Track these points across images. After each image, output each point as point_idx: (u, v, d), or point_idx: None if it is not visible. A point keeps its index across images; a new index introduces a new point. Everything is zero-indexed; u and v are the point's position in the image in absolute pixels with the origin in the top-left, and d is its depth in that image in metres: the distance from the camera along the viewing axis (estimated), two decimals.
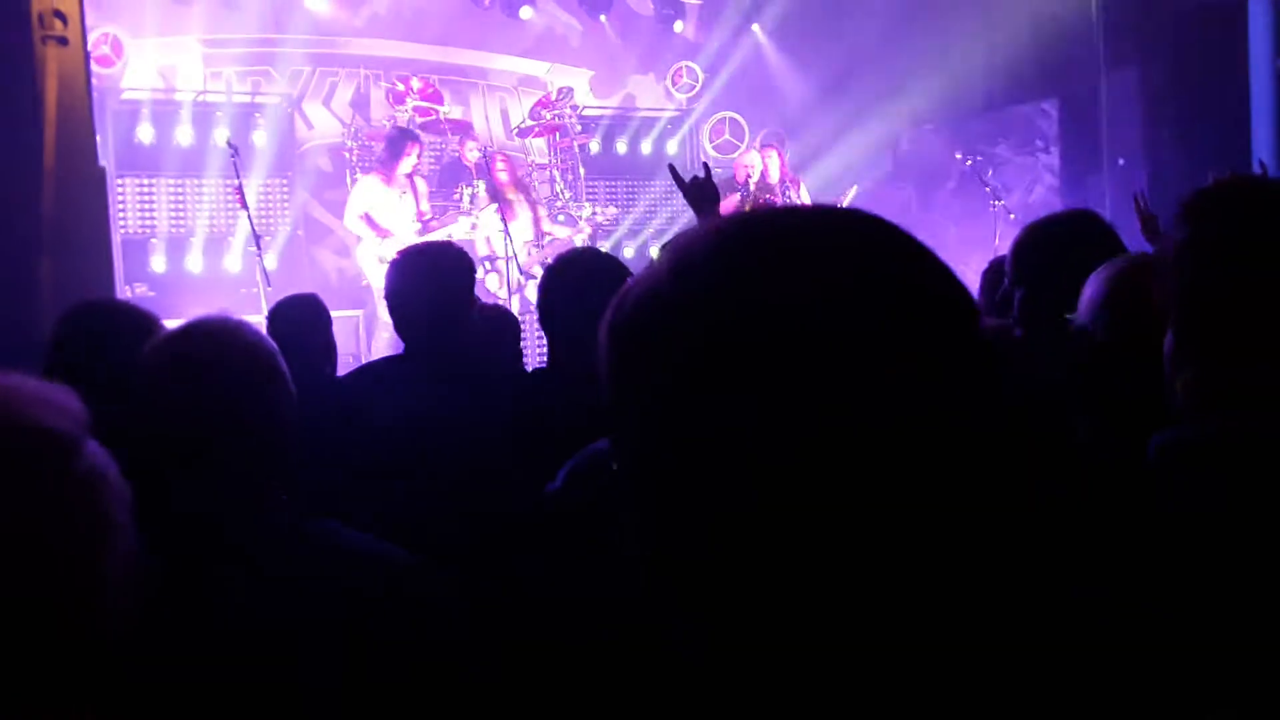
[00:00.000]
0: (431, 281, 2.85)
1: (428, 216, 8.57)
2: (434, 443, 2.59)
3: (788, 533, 0.64)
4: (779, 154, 9.34)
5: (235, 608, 1.59)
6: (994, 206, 9.08)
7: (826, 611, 0.64)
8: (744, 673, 0.67)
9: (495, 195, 8.82)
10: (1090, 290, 1.78)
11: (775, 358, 0.63)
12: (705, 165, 3.20)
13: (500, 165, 8.96)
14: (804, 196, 9.35)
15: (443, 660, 1.69)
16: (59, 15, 5.33)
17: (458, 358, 2.83)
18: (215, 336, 1.71)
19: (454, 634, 1.75)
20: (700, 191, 3.07)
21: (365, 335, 8.69)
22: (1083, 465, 1.69)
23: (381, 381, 2.86)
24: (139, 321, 2.32)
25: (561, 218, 9.77)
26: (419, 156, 8.53)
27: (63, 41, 5.34)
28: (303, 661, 1.57)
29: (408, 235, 8.27)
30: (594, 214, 9.72)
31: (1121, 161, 8.64)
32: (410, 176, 8.47)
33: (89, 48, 5.81)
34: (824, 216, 0.71)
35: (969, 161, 9.48)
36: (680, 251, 0.70)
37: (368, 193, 8.38)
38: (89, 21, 5.97)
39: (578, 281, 2.70)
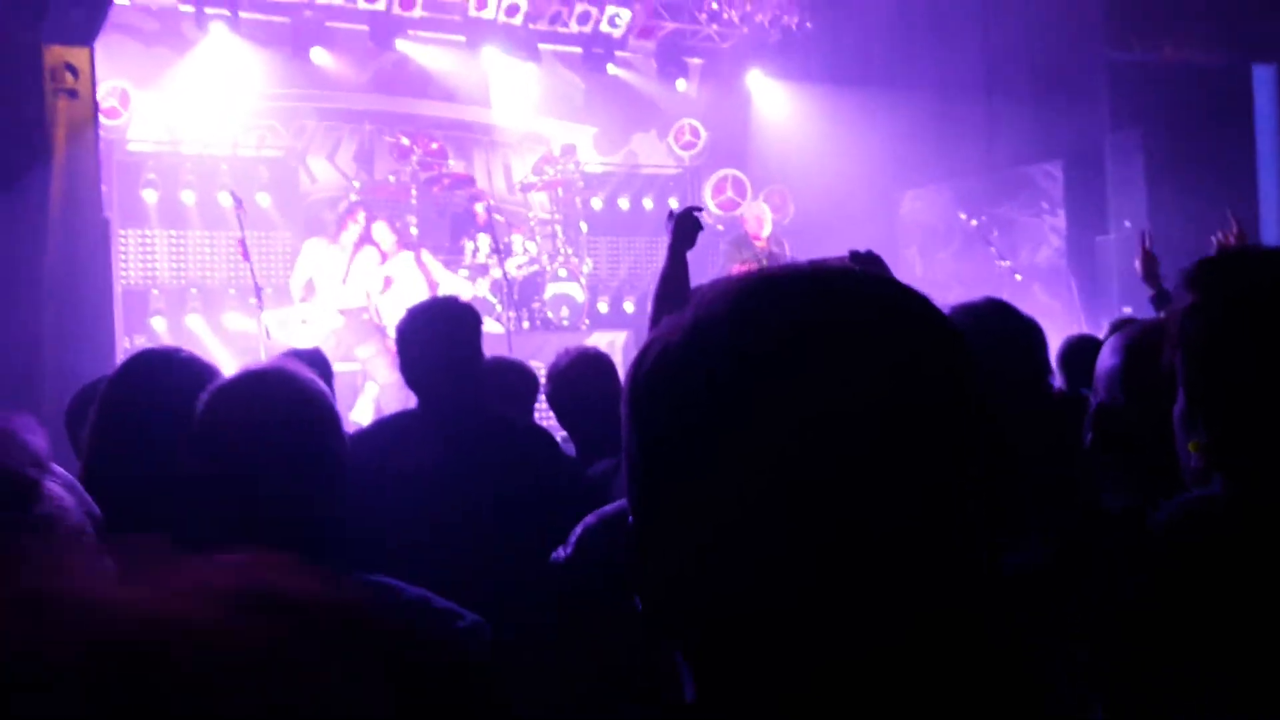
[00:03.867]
0: (441, 336, 2.87)
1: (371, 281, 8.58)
2: (450, 497, 2.59)
3: (798, 585, 0.65)
4: (771, 210, 9.43)
5: None
6: (999, 267, 9.04)
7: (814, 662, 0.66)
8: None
9: (496, 248, 8.82)
10: (1106, 361, 1.77)
11: (786, 415, 0.65)
12: (698, 208, 3.09)
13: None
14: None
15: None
16: (70, 68, 5.35)
17: (471, 411, 2.85)
18: (274, 384, 1.69)
19: (501, 695, 1.74)
20: (683, 224, 2.93)
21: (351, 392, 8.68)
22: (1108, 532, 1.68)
23: (398, 436, 2.86)
24: (198, 372, 2.21)
25: (563, 272, 9.78)
26: (363, 222, 8.65)
27: (73, 95, 5.36)
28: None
29: (328, 300, 8.45)
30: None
31: (1127, 223, 8.65)
32: (358, 244, 8.58)
33: (97, 100, 5.84)
34: (841, 279, 0.74)
35: (974, 222, 9.43)
36: (701, 306, 0.72)
37: (313, 256, 8.54)
38: (98, 74, 6.00)
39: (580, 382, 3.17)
